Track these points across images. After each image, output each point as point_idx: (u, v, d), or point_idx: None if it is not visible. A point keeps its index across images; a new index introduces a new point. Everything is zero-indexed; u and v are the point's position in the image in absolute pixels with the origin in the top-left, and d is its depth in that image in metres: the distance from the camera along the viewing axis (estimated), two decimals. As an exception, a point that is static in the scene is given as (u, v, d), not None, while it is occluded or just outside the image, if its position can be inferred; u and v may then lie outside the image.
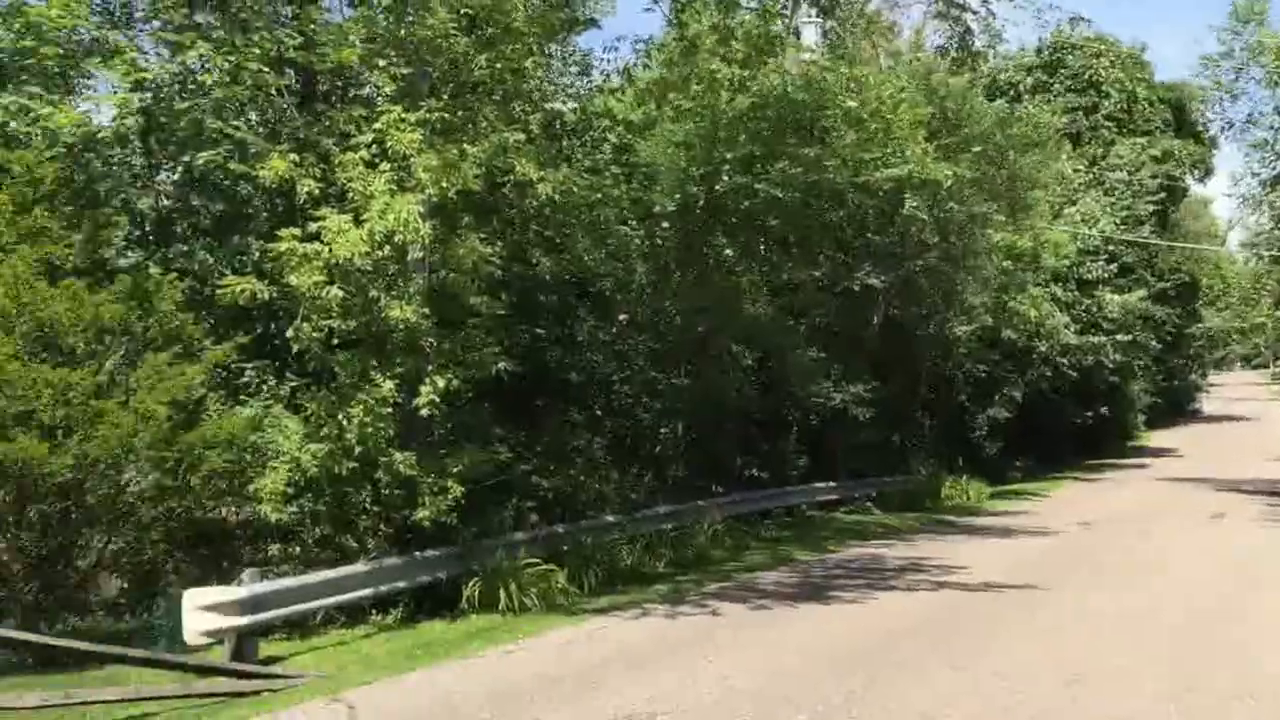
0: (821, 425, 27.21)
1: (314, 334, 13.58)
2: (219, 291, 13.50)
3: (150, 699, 10.18)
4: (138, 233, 15.53)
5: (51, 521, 12.53)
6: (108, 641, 11.38)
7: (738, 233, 22.58)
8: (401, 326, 13.79)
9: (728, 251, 22.55)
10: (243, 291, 13.24)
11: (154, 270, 14.36)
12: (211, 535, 13.97)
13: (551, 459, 18.16)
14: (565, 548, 16.40)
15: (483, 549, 14.92)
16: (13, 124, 13.10)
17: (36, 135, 13.15)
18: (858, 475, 27.64)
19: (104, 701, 9.91)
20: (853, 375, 26.50)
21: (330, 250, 13.14)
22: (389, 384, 13.84)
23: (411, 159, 14.04)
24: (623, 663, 11.47)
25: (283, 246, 13.07)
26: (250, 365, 14.51)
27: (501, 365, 14.99)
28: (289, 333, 13.54)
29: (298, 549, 14.21)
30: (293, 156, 14.01)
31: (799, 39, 27.00)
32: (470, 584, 14.46)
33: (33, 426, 12.02)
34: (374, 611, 14.29)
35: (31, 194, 13.01)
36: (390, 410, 13.77)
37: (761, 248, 24.24)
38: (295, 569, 14.05)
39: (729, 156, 20.81)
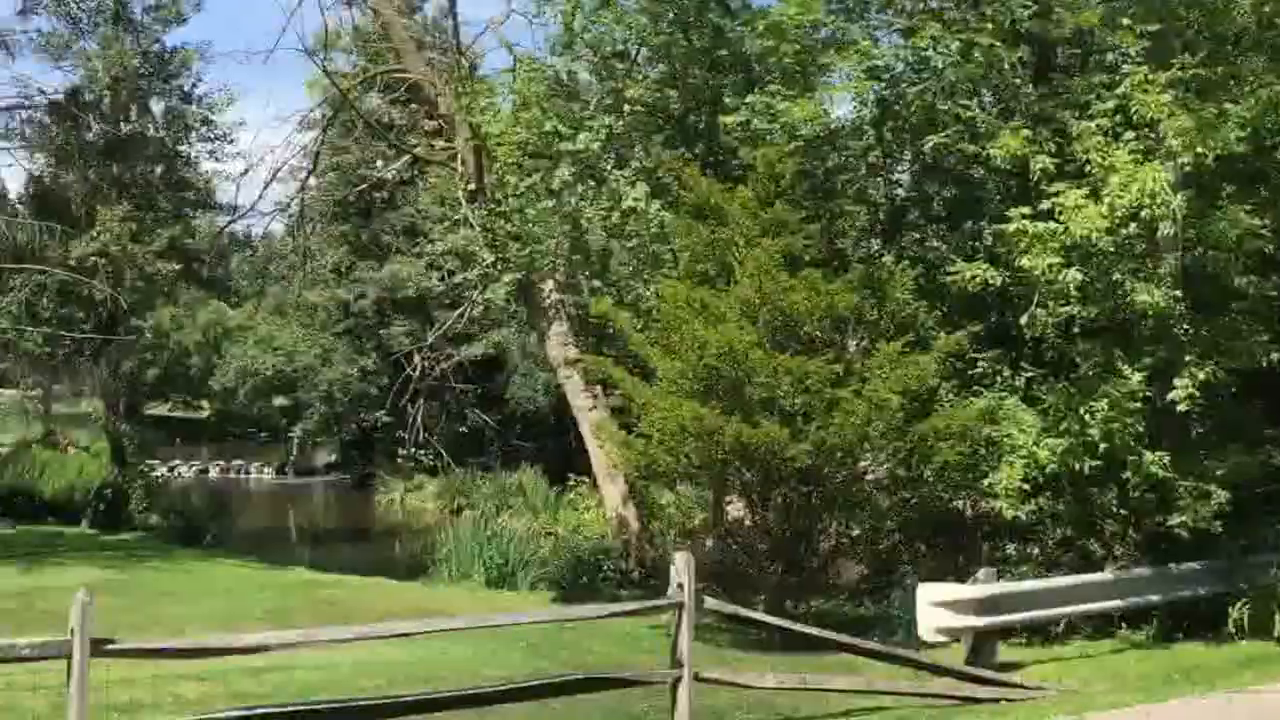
0: None
1: (1050, 321, 12.64)
2: (950, 279, 13.11)
3: (884, 693, 10.00)
4: (872, 222, 15.73)
5: (793, 505, 13.03)
6: (846, 628, 11.50)
7: None
8: (1150, 312, 12.32)
9: None
10: (974, 278, 12.71)
11: (887, 259, 14.38)
12: (947, 528, 13.66)
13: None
14: None
15: (1251, 566, 12.87)
16: (755, 121, 13.78)
17: (776, 131, 13.72)
18: None
19: (838, 690, 9.93)
20: None
21: (1066, 229, 12.09)
22: (1137, 376, 12.44)
23: (1160, 124, 12.50)
24: None
25: (1012, 227, 12.30)
26: (983, 355, 13.91)
27: (1275, 356, 12.83)
28: (1023, 320, 12.72)
29: (1036, 550, 13.37)
30: (1025, 133, 13.15)
31: None
32: (1237, 605, 12.52)
33: (775, 412, 12.61)
34: (1122, 625, 13.00)
35: (772, 189, 13.57)
36: (1139, 405, 12.36)
37: None
38: (1034, 570, 13.26)
39: None
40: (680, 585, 8.29)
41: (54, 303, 44.05)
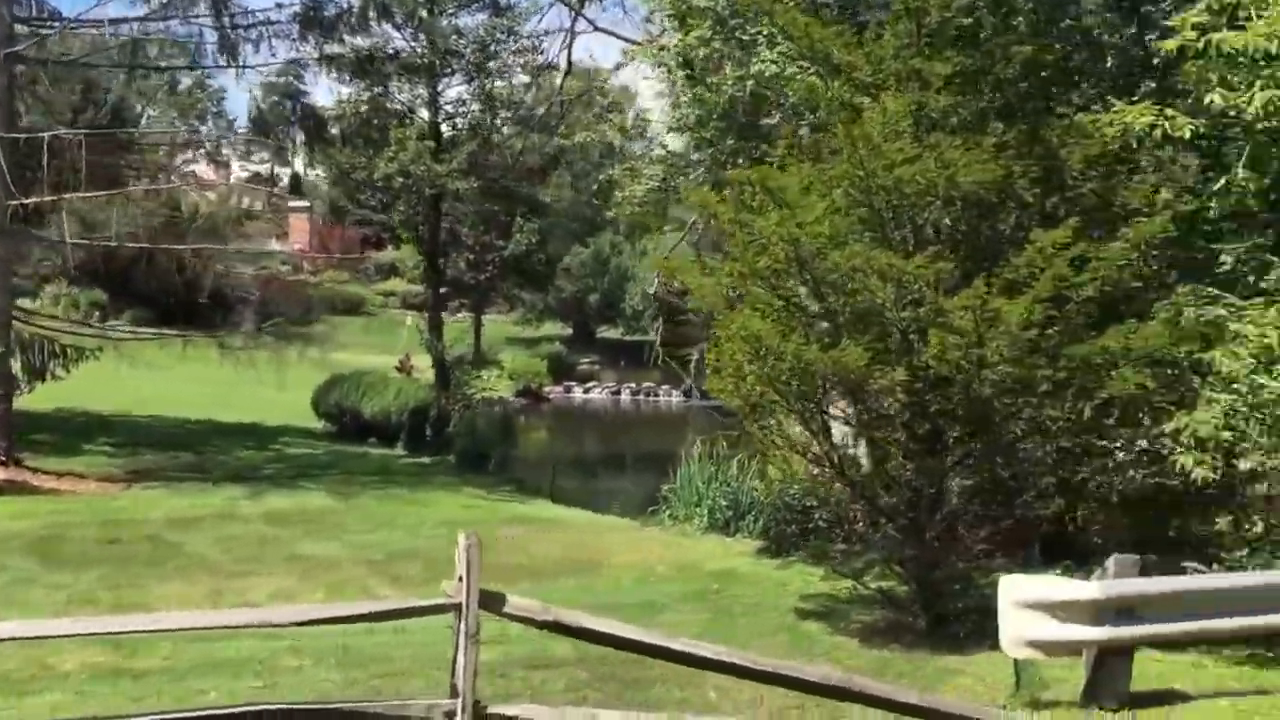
0: None
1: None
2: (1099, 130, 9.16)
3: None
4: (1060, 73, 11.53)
5: (909, 451, 9.86)
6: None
7: None
8: None
9: None
10: (1122, 130, 8.73)
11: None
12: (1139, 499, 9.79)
13: None
14: None
15: None
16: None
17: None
18: None
19: None
20: None
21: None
22: None
23: None
24: None
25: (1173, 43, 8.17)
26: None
27: None
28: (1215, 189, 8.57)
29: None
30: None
31: None
32: None
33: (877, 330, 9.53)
34: None
35: (914, 29, 10.14)
36: None
37: None
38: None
39: None
40: (460, 579, 6.03)
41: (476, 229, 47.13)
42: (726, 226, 10.19)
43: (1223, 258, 9.93)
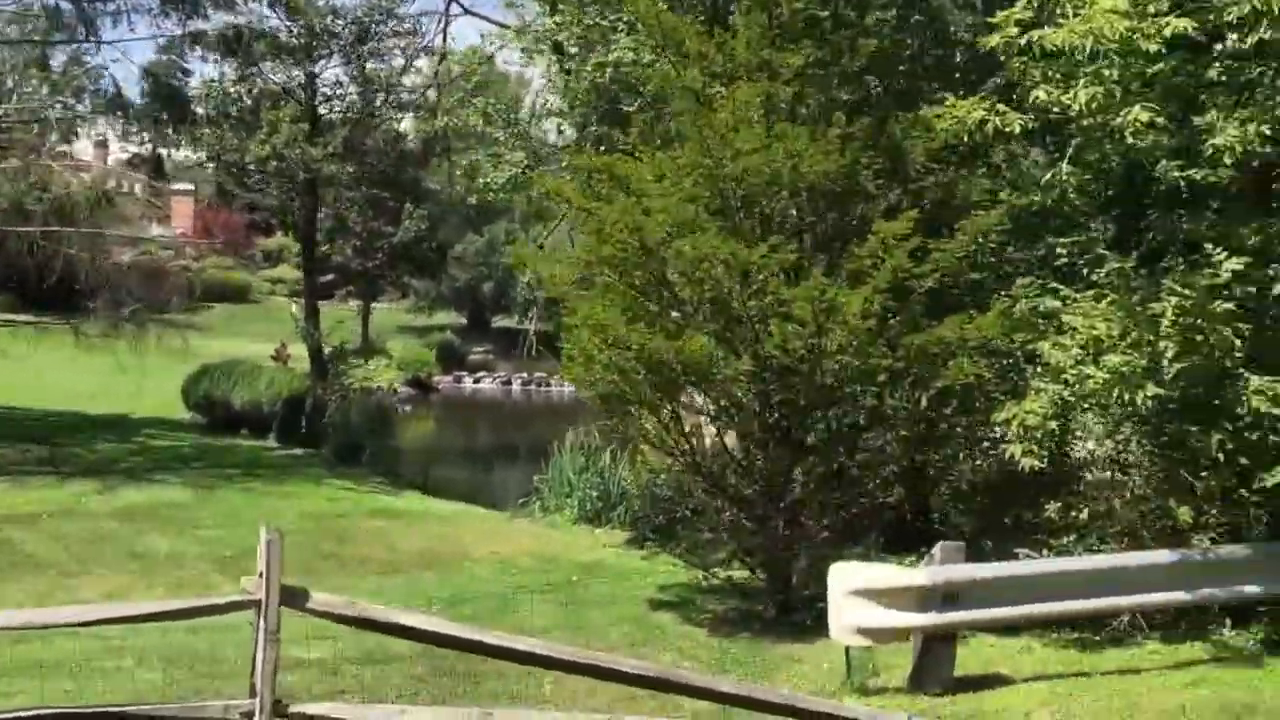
0: None
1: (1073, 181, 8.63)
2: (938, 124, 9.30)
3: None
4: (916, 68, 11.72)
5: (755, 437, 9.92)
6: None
7: None
8: (1226, 160, 8.03)
9: None
10: (956, 121, 8.85)
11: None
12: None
13: None
14: None
15: None
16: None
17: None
18: None
19: None
20: None
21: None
22: (1232, 262, 8.25)
23: None
24: None
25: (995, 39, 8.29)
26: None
27: None
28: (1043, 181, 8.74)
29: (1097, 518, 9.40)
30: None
31: None
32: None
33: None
34: (1226, 623, 8.93)
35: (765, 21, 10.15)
36: (1232, 306, 8.20)
37: None
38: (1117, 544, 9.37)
39: None
40: (261, 575, 5.84)
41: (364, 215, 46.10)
42: (576, 214, 10.12)
43: (1059, 251, 10.14)
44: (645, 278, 9.55)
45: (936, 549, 7.97)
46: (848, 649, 8.14)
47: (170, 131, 22.20)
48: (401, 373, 46.25)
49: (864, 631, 7.85)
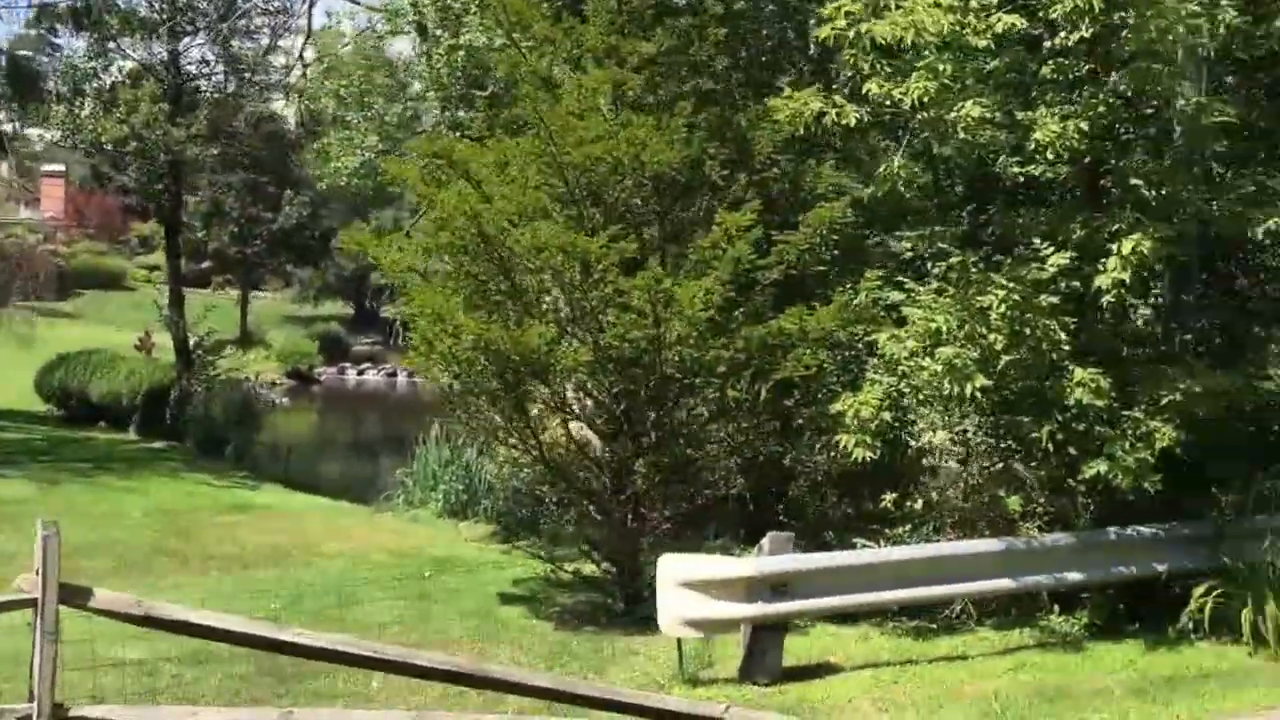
0: None
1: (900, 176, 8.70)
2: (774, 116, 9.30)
3: None
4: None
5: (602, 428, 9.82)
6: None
7: None
8: (1049, 155, 8.18)
9: None
10: (796, 115, 8.86)
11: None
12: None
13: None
14: None
15: (1243, 535, 8.63)
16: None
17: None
18: None
19: None
20: None
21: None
22: (1058, 256, 8.41)
23: None
24: None
25: (825, 30, 8.32)
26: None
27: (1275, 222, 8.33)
28: (877, 172, 8.83)
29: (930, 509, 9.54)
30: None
31: None
32: (1199, 589, 8.38)
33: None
34: (1054, 609, 9.13)
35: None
36: (1057, 300, 8.37)
37: None
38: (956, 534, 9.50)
39: None
40: (37, 573, 5.53)
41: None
42: (419, 201, 9.90)
43: (904, 244, 10.26)
44: (486, 266, 9.37)
45: (766, 540, 7.97)
46: (679, 641, 8.10)
47: (16, 108, 21.14)
48: (281, 364, 45.27)
49: (692, 623, 7.82)
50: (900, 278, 9.70)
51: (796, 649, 8.47)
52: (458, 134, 12.44)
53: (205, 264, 50.78)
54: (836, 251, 9.96)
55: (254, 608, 10.13)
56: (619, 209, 9.63)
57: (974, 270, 8.79)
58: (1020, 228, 9.42)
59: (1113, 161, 9.12)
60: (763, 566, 7.79)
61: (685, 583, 7.79)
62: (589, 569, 10.79)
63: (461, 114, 12.83)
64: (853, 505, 10.29)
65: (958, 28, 7.72)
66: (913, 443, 9.90)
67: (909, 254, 10.51)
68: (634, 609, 9.96)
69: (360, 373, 50.84)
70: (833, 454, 11.39)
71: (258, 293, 54.74)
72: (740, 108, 10.25)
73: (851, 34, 8.04)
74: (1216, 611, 8.26)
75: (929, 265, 10.09)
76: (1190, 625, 8.37)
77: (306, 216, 49.11)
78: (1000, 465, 9.75)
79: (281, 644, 5.90)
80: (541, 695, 6.36)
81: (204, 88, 24.38)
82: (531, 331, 8.99)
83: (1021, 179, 9.96)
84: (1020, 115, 8.26)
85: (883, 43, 7.90)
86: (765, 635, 7.84)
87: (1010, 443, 9.42)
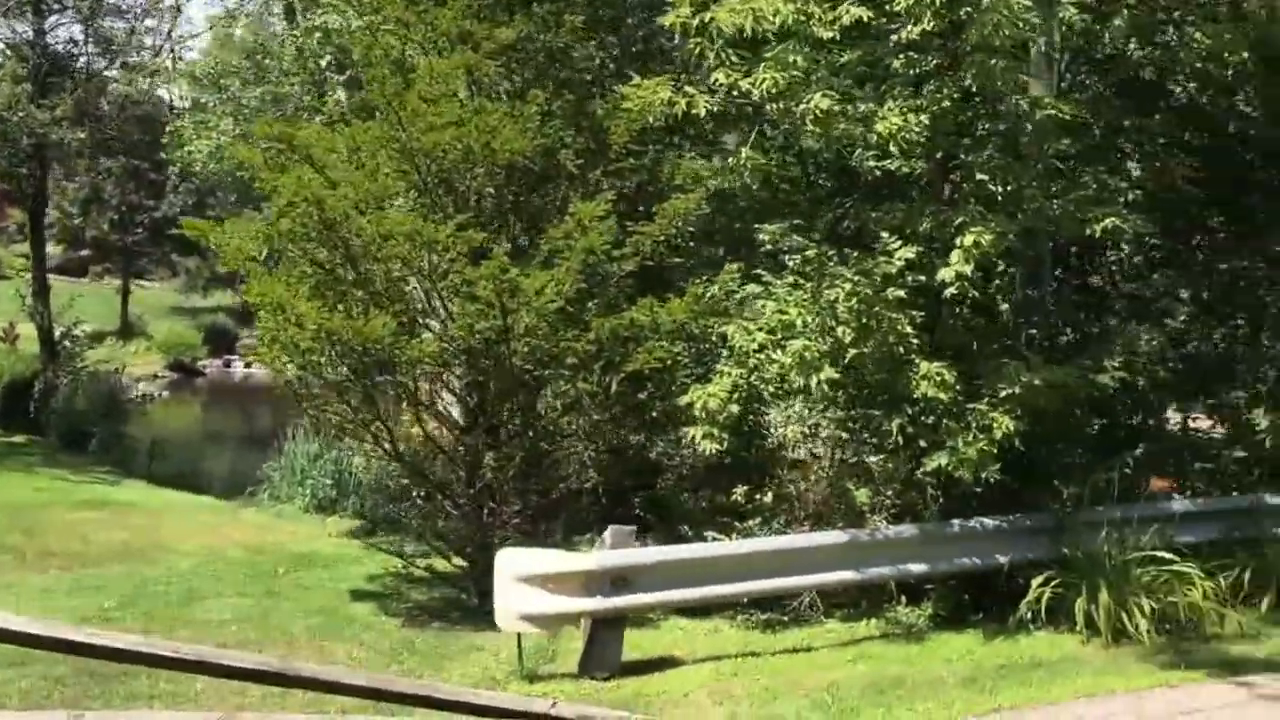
0: None
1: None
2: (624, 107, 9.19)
3: None
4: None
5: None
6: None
7: None
8: (891, 145, 8.20)
9: None
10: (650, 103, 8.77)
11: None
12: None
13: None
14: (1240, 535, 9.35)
15: (1082, 526, 8.77)
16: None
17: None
18: None
19: None
20: None
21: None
22: (905, 250, 8.43)
23: None
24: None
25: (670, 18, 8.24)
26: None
27: (1110, 223, 8.46)
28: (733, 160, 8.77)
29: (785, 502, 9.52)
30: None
31: None
32: (1038, 580, 8.50)
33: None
34: (901, 600, 9.19)
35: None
36: (904, 292, 8.38)
37: None
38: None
39: None
40: None
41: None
42: (261, 186, 9.55)
43: (763, 238, 10.22)
44: (331, 255, 9.09)
45: (607, 533, 7.85)
46: (519, 636, 7.94)
47: None
48: (163, 356, 43.99)
49: (529, 618, 7.66)
50: (759, 270, 9.65)
51: (643, 643, 8.37)
52: (317, 118, 12.08)
53: (84, 252, 49.06)
54: (693, 244, 9.86)
55: (85, 606, 9.75)
56: (471, 197, 9.42)
57: (828, 264, 8.78)
58: (874, 221, 9.44)
59: (962, 156, 9.19)
60: (604, 560, 7.66)
61: (523, 577, 7.62)
62: (444, 565, 10.59)
63: (322, 98, 12.48)
64: (712, 499, 10.22)
65: (802, 18, 7.67)
66: (770, 436, 9.87)
67: (768, 247, 10.47)
68: (486, 604, 9.78)
69: (247, 365, 49.50)
70: (695, 448, 11.38)
71: (143, 282, 53.07)
72: (597, 96, 10.09)
73: (696, 22, 7.93)
74: (1054, 601, 8.38)
75: (785, 259, 10.07)
76: (1029, 615, 8.47)
77: (192, 205, 47.70)
78: (855, 459, 9.77)
79: (74, 645, 5.57)
80: (357, 694, 6.14)
81: (72, 69, 23.45)
82: (375, 322, 8.74)
83: (879, 173, 10.00)
84: (864, 108, 8.24)
85: (728, 32, 7.81)
86: (604, 629, 7.72)
87: (866, 435, 9.43)
